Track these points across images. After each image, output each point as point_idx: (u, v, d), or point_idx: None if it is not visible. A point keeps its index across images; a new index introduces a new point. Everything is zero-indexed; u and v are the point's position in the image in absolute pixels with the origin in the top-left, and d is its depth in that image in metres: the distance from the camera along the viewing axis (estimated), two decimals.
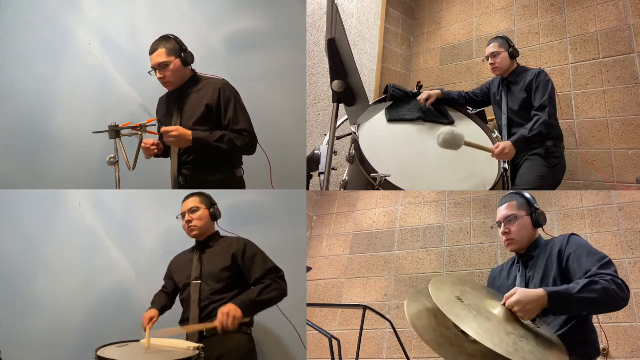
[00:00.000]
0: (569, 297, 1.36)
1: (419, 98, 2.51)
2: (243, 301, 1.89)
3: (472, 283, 1.64)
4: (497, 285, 1.81)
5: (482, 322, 1.33)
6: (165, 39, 2.14)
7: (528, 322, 1.42)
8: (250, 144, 2.13)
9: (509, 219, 1.74)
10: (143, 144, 2.08)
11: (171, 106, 2.19)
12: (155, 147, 2.11)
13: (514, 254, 1.82)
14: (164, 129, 2.03)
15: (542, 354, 1.30)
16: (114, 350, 1.76)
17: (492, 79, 2.70)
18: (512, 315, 1.39)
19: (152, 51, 2.12)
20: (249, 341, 2.02)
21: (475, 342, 1.30)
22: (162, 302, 2.13)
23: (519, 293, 1.38)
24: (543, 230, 1.78)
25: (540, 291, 1.37)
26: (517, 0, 3.89)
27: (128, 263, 2.61)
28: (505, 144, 2.23)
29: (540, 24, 3.67)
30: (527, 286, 1.67)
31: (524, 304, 1.37)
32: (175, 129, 2.03)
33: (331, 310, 3.43)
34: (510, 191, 1.85)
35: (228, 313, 1.83)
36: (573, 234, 1.65)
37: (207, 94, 2.12)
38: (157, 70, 2.10)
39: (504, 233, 1.75)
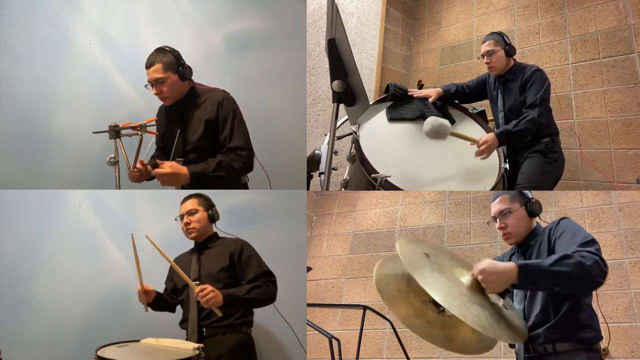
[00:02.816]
0: (539, 270, 1.30)
1: (416, 95, 2.48)
2: (229, 294, 1.89)
3: (453, 253, 1.60)
4: None
5: (437, 276, 1.29)
6: (161, 52, 2.08)
7: (495, 299, 1.38)
8: (247, 162, 2.09)
9: (503, 213, 1.69)
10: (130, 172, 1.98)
11: (172, 122, 2.16)
12: (137, 171, 1.99)
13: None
14: (156, 171, 1.94)
15: (491, 324, 1.24)
16: (114, 350, 1.76)
17: (487, 72, 2.67)
18: (479, 287, 1.34)
19: (149, 65, 2.06)
20: (248, 341, 2.03)
21: (439, 313, 1.28)
22: (163, 297, 2.12)
23: (486, 262, 1.34)
24: (540, 219, 1.73)
25: (509, 264, 1.31)
26: (517, 0, 3.89)
27: (128, 263, 2.60)
28: (488, 136, 2.21)
29: (540, 24, 3.67)
30: None
31: (487, 273, 1.32)
32: (169, 167, 1.95)
33: (331, 310, 3.43)
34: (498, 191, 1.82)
35: (211, 292, 1.82)
36: (564, 218, 1.61)
37: (207, 109, 2.10)
38: (154, 86, 2.06)
39: (501, 228, 1.71)
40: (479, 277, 1.32)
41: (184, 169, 1.98)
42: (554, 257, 1.32)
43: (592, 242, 1.43)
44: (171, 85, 2.06)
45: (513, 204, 1.69)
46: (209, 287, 1.84)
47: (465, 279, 1.37)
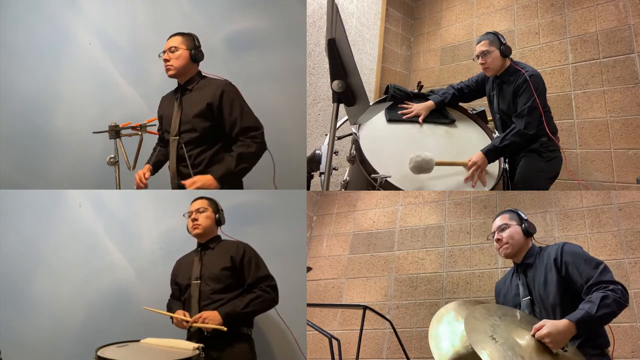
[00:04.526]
0: (591, 318, 1.50)
1: (406, 117, 2.41)
2: (227, 312, 1.95)
3: (499, 310, 1.72)
4: (502, 295, 1.93)
5: None
6: (186, 33, 2.20)
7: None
8: (262, 142, 2.13)
9: (501, 228, 1.89)
10: (136, 177, 2.14)
11: (172, 99, 2.20)
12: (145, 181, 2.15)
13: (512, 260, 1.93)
14: (189, 189, 2.01)
15: None
16: (114, 350, 1.76)
17: None
18: (542, 345, 1.51)
19: (170, 37, 2.18)
20: (248, 342, 2.04)
21: None
22: (178, 304, 2.13)
23: (548, 325, 1.51)
24: (534, 240, 1.91)
25: (565, 322, 1.51)
26: (517, 0, 3.89)
27: (128, 263, 2.61)
28: (477, 156, 2.18)
29: (540, 24, 3.67)
30: (530, 292, 1.78)
31: (554, 335, 1.49)
32: (196, 180, 2.02)
33: (331, 310, 3.43)
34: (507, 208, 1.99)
35: (205, 318, 1.92)
36: (565, 243, 1.77)
37: (209, 91, 2.12)
38: (166, 52, 2.15)
39: (497, 240, 1.89)
40: (546, 340, 1.50)
41: (208, 177, 2.03)
42: (595, 302, 1.52)
43: (607, 268, 1.64)
44: (180, 57, 2.14)
45: (510, 221, 1.90)
46: (204, 314, 1.93)
47: (527, 340, 1.53)
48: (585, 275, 1.62)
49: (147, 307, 2.08)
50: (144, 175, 2.16)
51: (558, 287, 1.69)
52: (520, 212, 1.93)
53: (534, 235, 1.91)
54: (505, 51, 2.39)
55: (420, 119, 2.41)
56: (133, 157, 2.13)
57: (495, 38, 2.41)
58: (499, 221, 1.92)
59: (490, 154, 2.21)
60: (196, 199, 2.20)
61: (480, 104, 2.69)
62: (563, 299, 1.67)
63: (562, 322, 1.51)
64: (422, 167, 2.06)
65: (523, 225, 1.87)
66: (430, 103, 2.46)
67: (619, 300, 1.53)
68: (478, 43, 2.45)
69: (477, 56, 2.44)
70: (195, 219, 2.12)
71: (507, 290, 1.90)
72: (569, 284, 1.67)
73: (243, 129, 2.09)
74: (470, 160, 2.18)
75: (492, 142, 2.29)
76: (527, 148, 2.38)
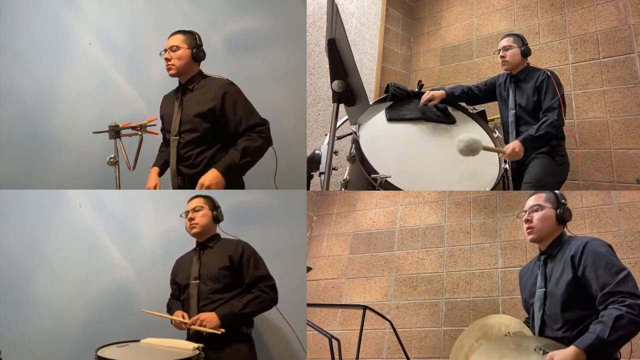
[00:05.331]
0: (602, 344, 1.38)
1: (422, 100, 2.49)
2: (225, 314, 1.94)
3: (504, 341, 1.64)
4: (524, 282, 1.84)
5: None
6: (188, 31, 2.20)
7: None
8: (267, 137, 2.14)
9: (533, 208, 1.74)
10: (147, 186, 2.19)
11: (173, 99, 2.21)
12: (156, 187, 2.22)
13: (526, 257, 1.84)
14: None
15: None
16: (114, 350, 1.76)
17: (497, 75, 2.71)
18: None
19: (171, 35, 2.18)
20: (248, 342, 2.04)
21: None
22: (178, 304, 2.13)
23: (558, 357, 1.40)
24: (566, 228, 1.76)
25: (574, 350, 1.38)
26: (517, 0, 3.89)
27: (128, 263, 2.61)
28: (515, 144, 2.29)
29: (540, 24, 3.67)
30: (545, 284, 1.68)
31: None
32: (204, 180, 2.02)
33: (331, 310, 3.43)
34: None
35: (203, 320, 1.91)
36: (589, 240, 1.64)
37: (211, 91, 2.12)
38: (167, 51, 2.14)
39: (526, 220, 1.74)
40: None
41: (213, 172, 2.03)
42: (608, 324, 1.38)
43: (628, 277, 1.49)
44: (181, 56, 2.14)
45: (545, 203, 1.73)
46: (201, 316, 1.92)
47: None
48: (602, 281, 1.50)
49: (147, 308, 2.07)
50: (155, 187, 2.22)
51: (569, 286, 1.59)
52: (558, 195, 1.75)
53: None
54: (526, 51, 2.54)
55: (431, 104, 2.49)
56: (133, 157, 2.13)
57: (519, 38, 2.57)
58: (532, 200, 1.76)
59: (527, 142, 2.32)
60: (192, 197, 2.18)
61: (480, 104, 2.70)
62: (573, 298, 1.58)
63: (571, 351, 1.39)
64: (471, 146, 2.08)
65: (559, 210, 1.71)
66: (442, 92, 2.54)
67: (635, 320, 1.39)
68: (502, 39, 2.60)
69: (499, 50, 2.58)
70: (192, 219, 2.11)
71: (529, 277, 1.80)
72: (584, 286, 1.56)
73: (250, 127, 2.10)
74: (508, 149, 2.28)
75: (528, 132, 2.37)
76: (543, 146, 2.42)
